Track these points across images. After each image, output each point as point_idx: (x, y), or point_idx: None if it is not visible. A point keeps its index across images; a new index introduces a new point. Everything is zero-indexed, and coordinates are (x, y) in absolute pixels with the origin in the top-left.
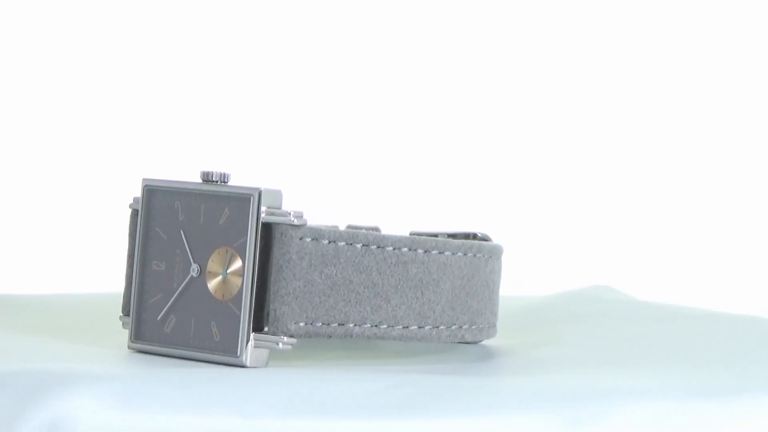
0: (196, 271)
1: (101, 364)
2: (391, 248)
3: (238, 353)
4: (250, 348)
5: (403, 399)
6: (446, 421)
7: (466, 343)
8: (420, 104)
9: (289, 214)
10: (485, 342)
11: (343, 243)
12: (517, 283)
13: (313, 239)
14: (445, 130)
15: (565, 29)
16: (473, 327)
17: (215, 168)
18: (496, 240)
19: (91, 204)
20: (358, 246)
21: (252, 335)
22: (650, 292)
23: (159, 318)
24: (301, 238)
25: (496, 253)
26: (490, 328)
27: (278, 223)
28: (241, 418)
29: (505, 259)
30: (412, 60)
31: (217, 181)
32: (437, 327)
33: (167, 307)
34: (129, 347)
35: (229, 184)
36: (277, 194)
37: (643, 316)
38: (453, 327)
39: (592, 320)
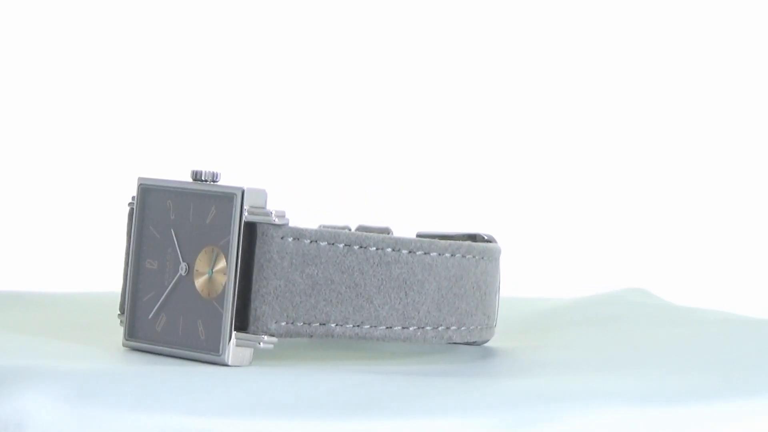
0: (184, 269)
1: (77, 361)
2: (374, 248)
3: (220, 352)
4: (232, 347)
5: (376, 398)
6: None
7: (468, 344)
8: (421, 104)
9: (271, 213)
10: (489, 344)
11: (324, 243)
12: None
13: (294, 239)
14: (451, 130)
15: (568, 30)
16: (462, 328)
17: (205, 167)
18: (515, 242)
19: (90, 203)
20: (340, 246)
21: (234, 334)
22: (689, 297)
23: (150, 316)
24: (282, 238)
25: (488, 254)
26: (483, 330)
27: (260, 223)
28: (195, 415)
29: (537, 262)
30: (413, 60)
31: (207, 180)
32: (422, 328)
33: (158, 305)
34: (123, 345)
35: (218, 183)
36: (261, 193)
37: (667, 319)
38: (440, 328)
39: (612, 323)
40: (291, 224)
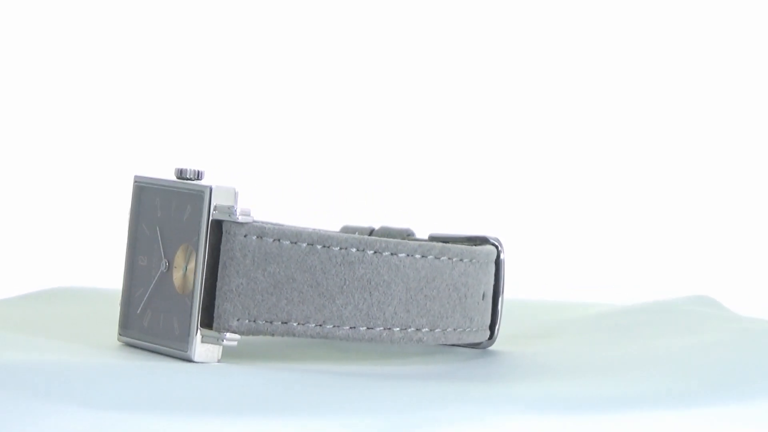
0: (165, 266)
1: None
2: (337, 248)
3: (187, 348)
4: (197, 343)
5: (325, 399)
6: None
7: (470, 346)
8: (423, 104)
9: (235, 211)
10: (494, 347)
11: (287, 242)
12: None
13: (257, 237)
14: (456, 130)
15: (572, 33)
16: (436, 331)
17: (190, 165)
18: (580, 248)
19: (92, 202)
20: (303, 245)
21: (200, 330)
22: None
23: (138, 311)
24: (245, 236)
25: (472, 256)
26: (464, 333)
27: (225, 221)
28: (127, 412)
29: (608, 265)
30: (416, 61)
31: (191, 178)
32: (389, 329)
33: (144, 301)
34: (118, 340)
35: (200, 181)
36: (230, 191)
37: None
38: (409, 329)
39: (647, 328)
40: (256, 222)
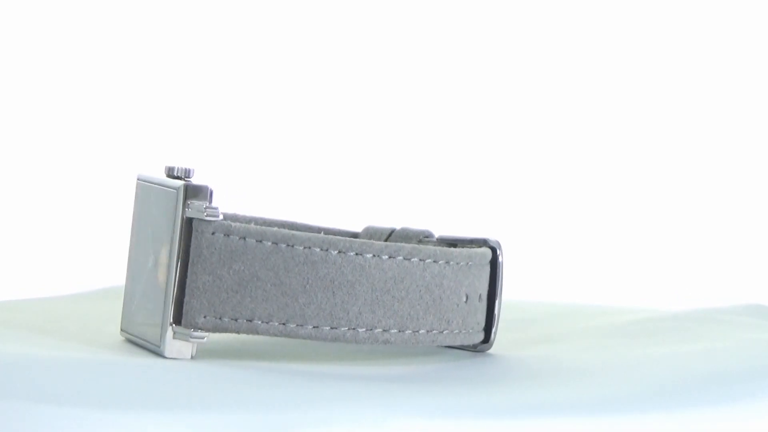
0: (151, 262)
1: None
2: (301, 247)
3: (159, 344)
4: (169, 339)
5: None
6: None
7: (464, 348)
8: (427, 105)
9: (203, 209)
10: (493, 351)
11: (252, 240)
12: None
13: (224, 235)
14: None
15: (573, 36)
16: (407, 332)
17: (179, 163)
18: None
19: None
20: (268, 244)
21: (171, 327)
22: None
23: (133, 308)
24: (213, 233)
25: (446, 257)
26: (441, 335)
27: (195, 218)
28: (73, 406)
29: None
30: (416, 63)
31: (180, 177)
32: (353, 329)
33: (137, 297)
34: (120, 335)
35: (189, 179)
36: (204, 189)
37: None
38: (375, 330)
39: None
40: (225, 220)
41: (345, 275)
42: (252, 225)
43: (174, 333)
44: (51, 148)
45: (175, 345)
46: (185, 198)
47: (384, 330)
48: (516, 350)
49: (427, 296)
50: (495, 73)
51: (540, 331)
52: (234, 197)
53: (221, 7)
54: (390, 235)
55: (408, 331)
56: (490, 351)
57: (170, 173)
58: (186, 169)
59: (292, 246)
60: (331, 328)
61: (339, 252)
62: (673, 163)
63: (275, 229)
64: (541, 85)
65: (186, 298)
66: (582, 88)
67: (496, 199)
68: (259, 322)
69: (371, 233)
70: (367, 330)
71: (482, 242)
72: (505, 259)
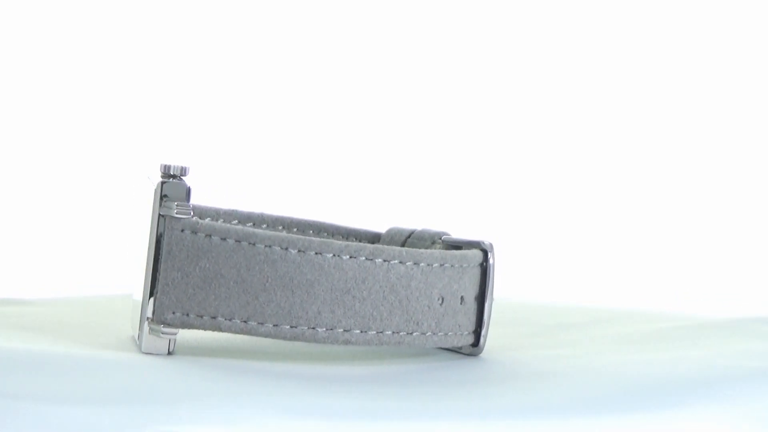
0: (144, 259)
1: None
2: (262, 246)
3: (138, 339)
4: (145, 335)
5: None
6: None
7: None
8: (427, 106)
9: (173, 207)
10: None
11: (217, 238)
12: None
13: (192, 232)
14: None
15: (568, 37)
16: (370, 332)
17: (175, 161)
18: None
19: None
20: (231, 241)
21: (147, 323)
22: None
23: (136, 305)
24: (182, 231)
25: (415, 258)
26: (410, 336)
27: (168, 216)
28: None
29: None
30: (414, 62)
31: (176, 175)
32: (313, 328)
33: (139, 294)
34: (130, 331)
35: (183, 177)
36: (181, 187)
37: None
38: (336, 330)
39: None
40: (193, 218)
41: (304, 274)
42: (219, 222)
43: (150, 329)
44: (52, 149)
45: (150, 341)
46: (161, 196)
47: (345, 330)
48: (510, 353)
49: (392, 297)
50: (496, 74)
51: (555, 338)
52: (265, 198)
53: (225, 7)
54: (409, 237)
55: (371, 332)
56: (486, 354)
57: (166, 172)
58: (182, 167)
59: (254, 244)
60: (291, 326)
61: (299, 251)
62: (676, 165)
63: (239, 227)
64: (543, 86)
65: (157, 295)
66: (583, 89)
67: (511, 201)
68: (222, 320)
69: (393, 234)
70: (326, 330)
71: (475, 244)
72: (497, 262)
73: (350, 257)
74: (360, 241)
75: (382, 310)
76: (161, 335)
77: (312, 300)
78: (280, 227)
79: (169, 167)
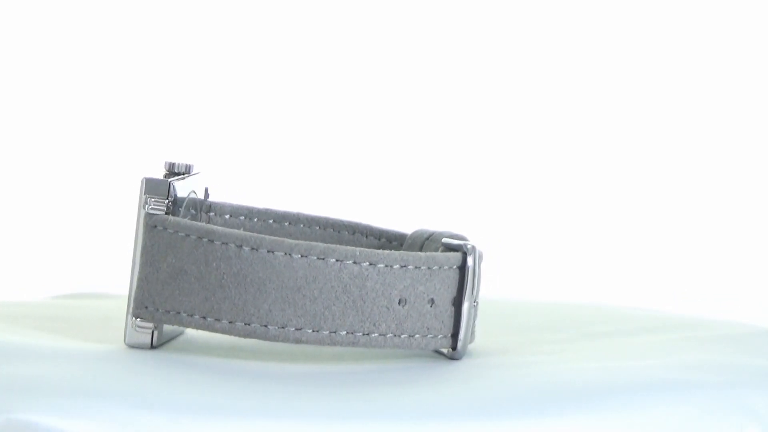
0: None
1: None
2: (219, 243)
3: (123, 333)
4: (129, 327)
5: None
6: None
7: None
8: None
9: (149, 203)
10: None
11: (183, 234)
12: None
13: (163, 228)
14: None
15: (561, 37)
16: (321, 332)
17: (179, 159)
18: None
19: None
20: (192, 238)
21: (129, 316)
22: None
23: None
24: (155, 227)
25: (372, 258)
26: (367, 337)
27: (146, 212)
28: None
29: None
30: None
31: (180, 173)
32: (265, 326)
33: None
34: None
35: (187, 174)
36: (162, 183)
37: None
38: (287, 328)
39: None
40: (165, 215)
41: (256, 272)
42: (186, 219)
43: (130, 323)
44: (53, 147)
45: (133, 334)
46: (144, 192)
47: (296, 329)
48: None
49: (345, 297)
50: (497, 74)
51: (549, 340)
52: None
53: (238, 7)
54: (428, 239)
55: (324, 332)
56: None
57: (170, 169)
58: (186, 165)
59: (212, 241)
60: (245, 324)
61: (251, 249)
62: (666, 165)
63: (200, 224)
64: (542, 86)
65: (135, 289)
66: (580, 89)
67: (524, 203)
68: (185, 315)
69: (415, 237)
70: (278, 328)
71: (458, 247)
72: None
73: (301, 256)
74: (381, 240)
75: (334, 309)
76: (137, 329)
77: (263, 298)
78: (287, 223)
79: (174, 165)
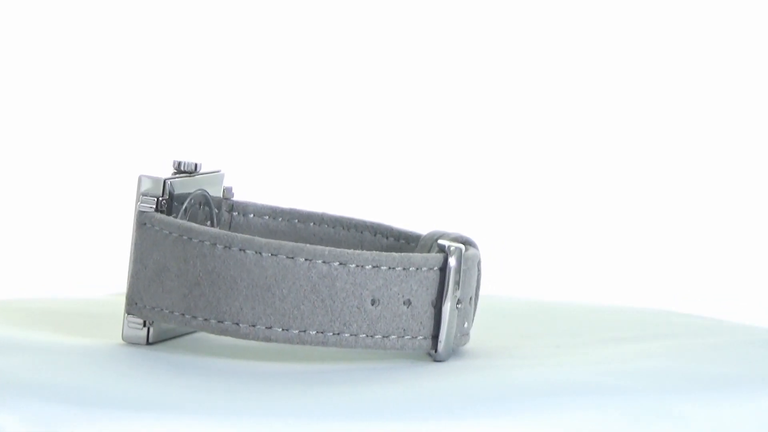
0: None
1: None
2: (196, 240)
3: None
4: (125, 324)
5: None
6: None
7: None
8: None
9: (139, 200)
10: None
11: (166, 231)
12: None
13: (151, 226)
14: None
15: (558, 39)
16: (291, 331)
17: (187, 158)
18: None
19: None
20: (174, 235)
21: (125, 313)
22: None
23: None
24: (144, 224)
25: (341, 258)
26: (338, 337)
27: (137, 209)
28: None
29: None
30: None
31: (188, 171)
32: (236, 324)
33: None
34: None
35: (195, 173)
36: (157, 182)
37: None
38: (258, 326)
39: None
40: (154, 212)
41: (228, 270)
42: (170, 217)
43: (125, 319)
44: (55, 146)
45: (129, 330)
46: (139, 189)
47: (266, 327)
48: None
49: (314, 296)
50: (499, 75)
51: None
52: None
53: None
54: (437, 240)
55: (293, 330)
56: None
57: (178, 168)
58: (194, 163)
59: (190, 239)
60: (218, 321)
61: (225, 247)
62: (662, 166)
63: (181, 221)
64: (541, 87)
65: (127, 286)
66: (579, 89)
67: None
68: (167, 312)
69: (426, 238)
70: (249, 326)
71: (442, 248)
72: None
73: (271, 255)
74: (400, 241)
75: (303, 309)
76: (128, 324)
77: (235, 296)
78: (312, 223)
79: (181, 163)
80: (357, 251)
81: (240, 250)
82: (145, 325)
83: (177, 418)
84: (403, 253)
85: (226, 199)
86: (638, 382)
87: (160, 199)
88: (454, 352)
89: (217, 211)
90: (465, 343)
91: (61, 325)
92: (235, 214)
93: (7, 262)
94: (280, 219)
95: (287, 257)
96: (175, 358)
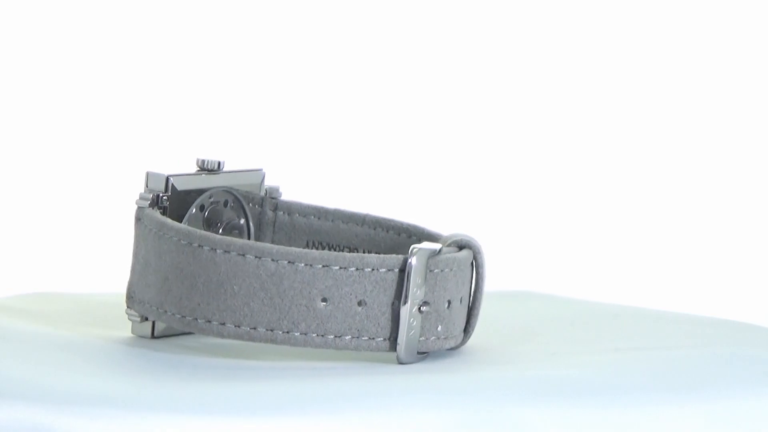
0: None
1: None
2: (169, 236)
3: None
4: (128, 317)
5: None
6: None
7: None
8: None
9: (139, 196)
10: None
11: (152, 228)
12: None
13: (142, 221)
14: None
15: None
16: (241, 327)
17: (210, 155)
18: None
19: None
20: (154, 231)
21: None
22: None
23: None
24: (139, 220)
25: (292, 257)
26: (287, 335)
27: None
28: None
29: None
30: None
31: (212, 169)
32: (195, 319)
33: None
34: None
35: (220, 170)
36: (159, 178)
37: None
38: (212, 322)
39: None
40: (148, 207)
41: (190, 265)
42: (156, 213)
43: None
44: (60, 146)
45: (134, 324)
46: (145, 185)
47: (220, 323)
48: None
49: (262, 294)
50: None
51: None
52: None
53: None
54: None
55: (244, 327)
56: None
57: (201, 166)
58: (217, 161)
59: (163, 235)
60: (182, 316)
61: (187, 243)
62: (660, 166)
63: (161, 218)
64: (540, 87)
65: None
66: (578, 89)
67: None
68: (148, 306)
69: (443, 240)
70: (205, 321)
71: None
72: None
73: (224, 252)
74: (410, 237)
75: (252, 306)
76: (130, 318)
77: (194, 292)
78: (354, 224)
79: (205, 162)
80: (307, 250)
81: (198, 246)
82: (143, 319)
83: (177, 417)
84: (357, 254)
85: (273, 198)
86: (636, 381)
87: (161, 195)
88: (429, 356)
89: (259, 209)
90: (452, 346)
91: (63, 322)
92: (280, 213)
93: (14, 259)
94: (324, 219)
95: (238, 254)
96: (175, 358)
